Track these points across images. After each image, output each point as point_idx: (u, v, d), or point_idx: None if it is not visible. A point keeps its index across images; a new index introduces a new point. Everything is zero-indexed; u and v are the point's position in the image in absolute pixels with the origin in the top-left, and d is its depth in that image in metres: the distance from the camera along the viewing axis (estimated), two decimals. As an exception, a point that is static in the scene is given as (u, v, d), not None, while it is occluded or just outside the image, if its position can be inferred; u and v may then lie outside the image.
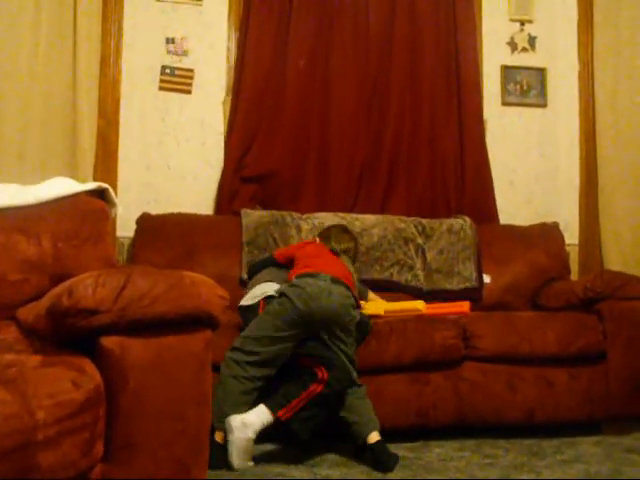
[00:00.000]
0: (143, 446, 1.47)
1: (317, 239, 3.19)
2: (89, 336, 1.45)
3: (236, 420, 2.40)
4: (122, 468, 1.44)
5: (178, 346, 1.54)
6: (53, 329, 1.49)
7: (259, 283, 2.88)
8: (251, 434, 2.40)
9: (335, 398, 2.54)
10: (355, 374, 2.62)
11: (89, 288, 1.44)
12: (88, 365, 1.42)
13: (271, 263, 3.05)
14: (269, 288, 2.80)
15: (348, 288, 2.71)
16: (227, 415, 2.42)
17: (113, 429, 1.44)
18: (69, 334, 1.46)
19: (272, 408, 2.43)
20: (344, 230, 3.30)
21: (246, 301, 2.81)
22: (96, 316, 1.42)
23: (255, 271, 3.07)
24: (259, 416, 2.41)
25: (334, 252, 3.01)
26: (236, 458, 2.39)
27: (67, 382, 1.32)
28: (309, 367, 2.54)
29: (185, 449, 1.54)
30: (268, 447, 2.66)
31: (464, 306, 3.14)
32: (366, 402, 2.61)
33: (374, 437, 2.51)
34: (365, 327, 2.79)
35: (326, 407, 2.52)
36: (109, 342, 1.45)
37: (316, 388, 2.48)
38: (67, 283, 1.49)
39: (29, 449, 1.22)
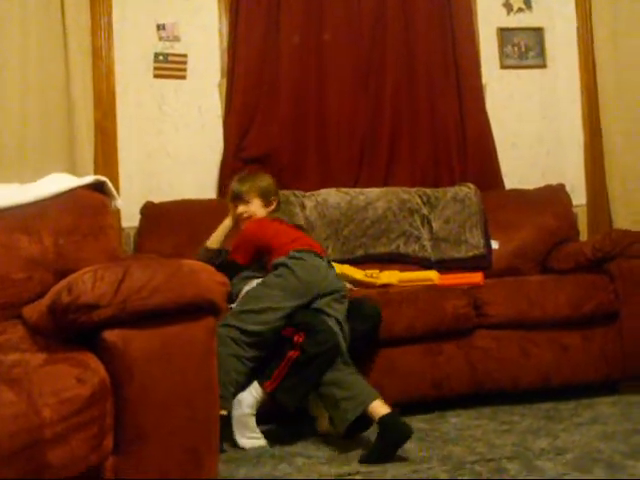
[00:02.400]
0: (153, 436, 1.48)
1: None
2: (91, 331, 1.46)
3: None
4: (134, 459, 1.45)
5: (181, 335, 1.54)
6: (55, 326, 1.50)
7: (243, 281, 2.75)
8: (246, 409, 2.42)
9: (317, 363, 2.41)
10: (346, 352, 2.54)
11: (88, 283, 1.44)
12: (92, 360, 1.43)
13: (238, 270, 2.80)
14: (242, 285, 2.73)
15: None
16: (229, 394, 2.39)
17: (122, 421, 1.45)
18: (71, 330, 1.47)
19: (261, 382, 2.44)
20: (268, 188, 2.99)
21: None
22: (96, 311, 1.43)
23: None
24: (251, 392, 2.44)
25: (297, 227, 3.01)
26: (240, 436, 2.42)
27: (71, 379, 1.33)
28: (290, 336, 2.48)
29: (196, 436, 1.55)
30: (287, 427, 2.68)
31: (477, 277, 3.12)
32: (358, 377, 2.45)
33: (382, 408, 2.29)
34: (374, 315, 2.74)
35: (308, 374, 2.41)
36: (111, 335, 1.45)
37: (293, 354, 2.43)
38: (66, 280, 1.49)
39: (38, 447, 1.23)
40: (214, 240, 2.95)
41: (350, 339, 2.62)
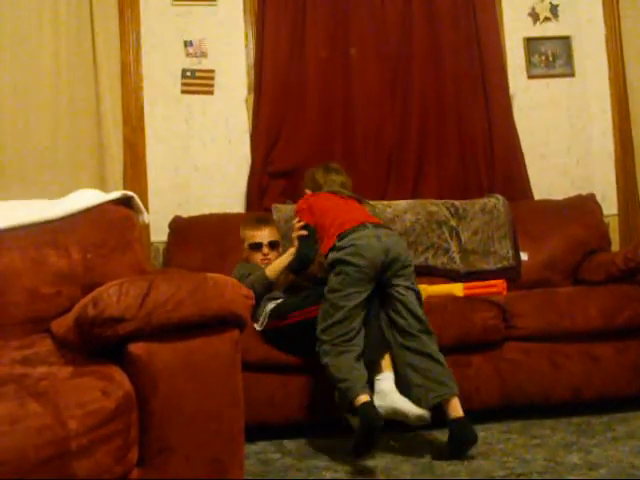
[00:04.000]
0: (178, 449, 1.48)
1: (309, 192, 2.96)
2: (117, 344, 1.47)
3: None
4: (158, 472, 1.46)
5: (206, 348, 1.55)
6: (82, 339, 1.52)
7: (265, 302, 2.81)
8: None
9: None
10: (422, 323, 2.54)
11: (113, 297, 1.46)
12: (117, 373, 1.44)
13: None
14: (267, 303, 2.79)
15: (382, 226, 2.67)
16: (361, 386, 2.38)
17: (147, 434, 1.45)
18: (97, 343, 1.48)
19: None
20: (327, 170, 3.02)
21: (260, 326, 2.77)
22: (122, 324, 1.44)
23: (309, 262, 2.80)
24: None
25: (343, 196, 2.85)
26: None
27: (97, 391, 1.35)
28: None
29: (221, 449, 1.55)
30: (313, 441, 2.67)
31: (499, 285, 3.08)
32: (434, 363, 2.48)
33: (454, 409, 2.41)
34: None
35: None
36: (136, 349, 1.47)
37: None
38: (92, 293, 1.51)
39: (64, 459, 1.25)
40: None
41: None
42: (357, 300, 2.47)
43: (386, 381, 2.48)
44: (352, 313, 2.46)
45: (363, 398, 2.32)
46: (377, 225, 2.65)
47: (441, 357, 2.51)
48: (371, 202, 3.58)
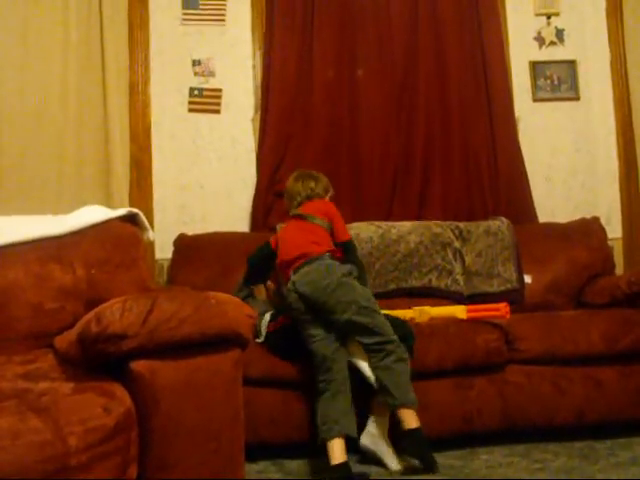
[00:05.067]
0: (178, 467, 1.48)
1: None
2: (119, 361, 1.48)
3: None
4: (157, 490, 1.46)
5: (207, 366, 1.55)
6: (84, 355, 1.52)
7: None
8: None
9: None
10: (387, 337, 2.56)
11: (116, 314, 1.46)
12: (119, 390, 1.44)
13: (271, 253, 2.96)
14: (263, 313, 2.88)
15: (309, 261, 2.68)
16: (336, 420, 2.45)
17: (147, 451, 1.45)
18: (99, 360, 1.49)
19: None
20: (303, 177, 3.09)
21: (262, 337, 2.83)
22: (124, 341, 1.45)
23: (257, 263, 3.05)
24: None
25: (300, 217, 2.92)
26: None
27: (98, 408, 1.35)
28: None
29: (220, 468, 1.55)
30: (314, 462, 2.65)
31: (501, 309, 3.09)
32: (400, 369, 2.51)
33: (409, 419, 2.45)
34: (403, 327, 2.71)
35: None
36: (138, 366, 1.47)
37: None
38: (95, 310, 1.52)
39: (63, 475, 1.24)
40: None
41: None
42: (318, 331, 2.59)
43: (375, 424, 2.59)
44: (315, 344, 2.58)
45: (339, 455, 2.39)
46: (302, 265, 2.69)
47: (398, 369, 2.52)
48: (376, 223, 3.61)
